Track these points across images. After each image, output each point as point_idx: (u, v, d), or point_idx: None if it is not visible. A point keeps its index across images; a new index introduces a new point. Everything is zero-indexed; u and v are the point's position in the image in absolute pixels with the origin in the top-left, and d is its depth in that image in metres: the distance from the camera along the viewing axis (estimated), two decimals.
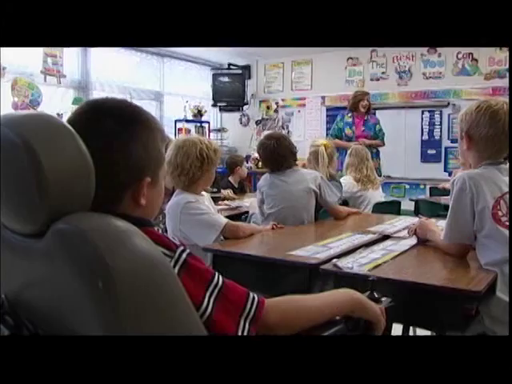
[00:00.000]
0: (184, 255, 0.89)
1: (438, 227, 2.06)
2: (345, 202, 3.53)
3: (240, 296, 0.94)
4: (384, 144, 4.91)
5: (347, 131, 4.95)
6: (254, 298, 0.95)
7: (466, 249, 1.79)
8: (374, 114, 5.39)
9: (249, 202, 3.47)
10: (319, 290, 1.98)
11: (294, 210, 2.81)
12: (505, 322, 1.45)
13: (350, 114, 4.99)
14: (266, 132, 6.21)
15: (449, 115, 6.04)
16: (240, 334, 0.89)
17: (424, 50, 6.16)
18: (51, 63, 5.01)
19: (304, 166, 3.44)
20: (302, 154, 3.68)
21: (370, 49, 6.50)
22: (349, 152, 3.90)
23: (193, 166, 2.25)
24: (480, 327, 1.60)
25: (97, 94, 5.50)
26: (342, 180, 3.60)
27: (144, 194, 0.90)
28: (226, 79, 7.39)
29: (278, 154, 2.83)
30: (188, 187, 2.31)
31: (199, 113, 6.94)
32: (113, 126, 0.88)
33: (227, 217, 2.62)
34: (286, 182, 2.85)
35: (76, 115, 0.91)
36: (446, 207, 1.91)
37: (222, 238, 2.30)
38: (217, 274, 0.93)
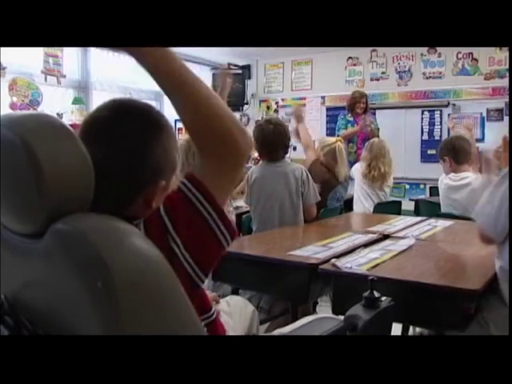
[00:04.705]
0: None
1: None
2: (345, 203, 3.51)
3: None
4: (378, 136, 4.91)
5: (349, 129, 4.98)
6: None
7: (493, 242, 1.68)
8: (374, 113, 5.40)
9: None
10: (319, 289, 1.98)
11: (273, 212, 2.58)
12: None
13: (349, 114, 5.03)
14: None
15: (449, 115, 6.02)
16: None
17: (424, 49, 6.14)
18: (52, 63, 5.00)
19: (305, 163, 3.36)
20: (302, 153, 3.66)
21: (370, 49, 6.48)
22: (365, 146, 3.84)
23: None
24: (484, 331, 1.59)
25: (97, 94, 5.49)
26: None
27: (157, 198, 0.90)
28: None
29: (269, 141, 2.58)
30: None
31: None
32: (139, 126, 0.89)
33: None
34: (265, 178, 2.61)
35: (101, 112, 0.91)
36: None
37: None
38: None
